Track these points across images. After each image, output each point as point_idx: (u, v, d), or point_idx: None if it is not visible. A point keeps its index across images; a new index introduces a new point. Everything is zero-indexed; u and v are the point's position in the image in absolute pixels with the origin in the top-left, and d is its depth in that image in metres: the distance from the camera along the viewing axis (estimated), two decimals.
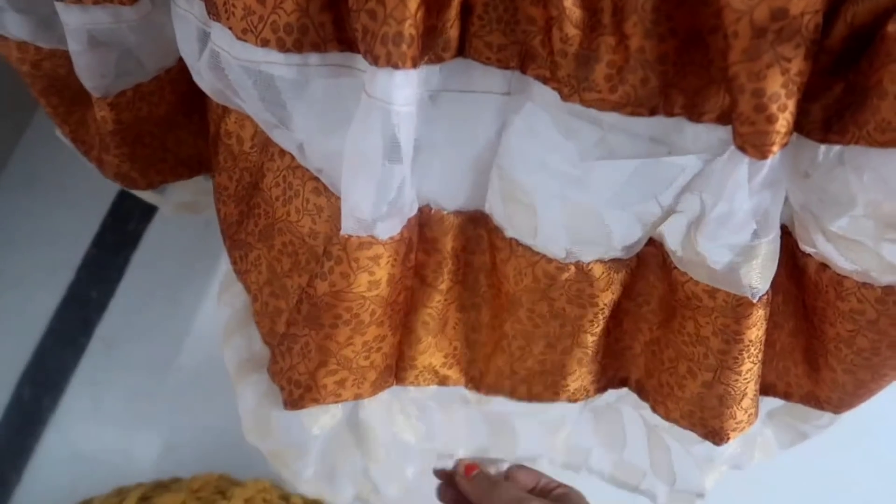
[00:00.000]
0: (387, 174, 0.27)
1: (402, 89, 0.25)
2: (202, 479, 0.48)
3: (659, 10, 0.23)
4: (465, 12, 0.26)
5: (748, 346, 0.31)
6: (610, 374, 0.39)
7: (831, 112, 0.23)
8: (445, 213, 0.33)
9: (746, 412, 0.35)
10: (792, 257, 0.30)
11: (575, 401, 0.39)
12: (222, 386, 0.64)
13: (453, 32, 0.26)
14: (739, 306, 0.30)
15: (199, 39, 0.33)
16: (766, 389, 0.36)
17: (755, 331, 0.31)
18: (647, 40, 0.24)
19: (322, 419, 0.39)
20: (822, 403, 0.35)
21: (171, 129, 0.42)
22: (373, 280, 0.31)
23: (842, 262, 0.27)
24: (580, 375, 0.38)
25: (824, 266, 0.28)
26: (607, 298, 0.33)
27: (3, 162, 0.73)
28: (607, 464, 0.49)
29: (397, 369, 0.38)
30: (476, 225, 0.34)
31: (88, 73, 0.37)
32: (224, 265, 0.69)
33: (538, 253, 0.32)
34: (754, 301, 0.29)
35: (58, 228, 0.71)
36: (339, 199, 0.31)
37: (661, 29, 0.23)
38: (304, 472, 0.40)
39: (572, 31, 0.24)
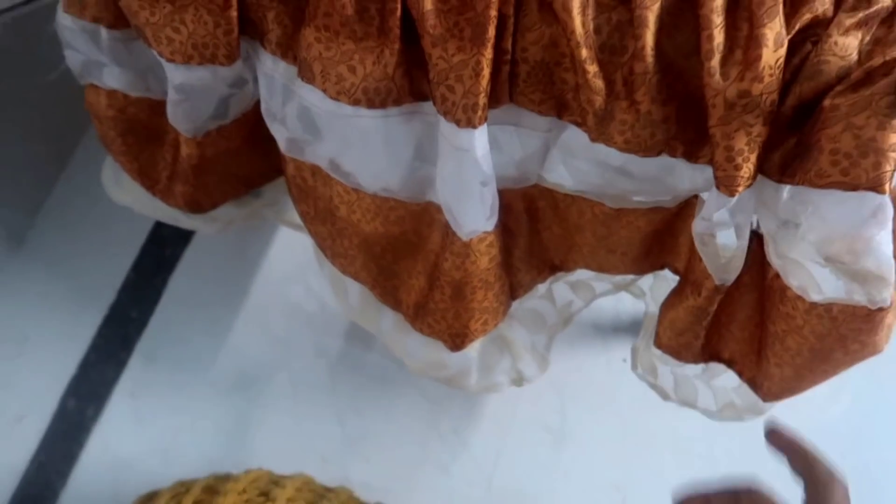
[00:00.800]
0: (484, 194, 0.36)
1: (479, 140, 0.33)
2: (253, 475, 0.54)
3: (662, 82, 0.32)
4: (513, 77, 0.34)
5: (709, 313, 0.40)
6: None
7: (786, 160, 0.31)
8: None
9: None
10: (763, 263, 0.37)
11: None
12: (253, 398, 0.71)
13: (504, 91, 0.34)
14: (716, 289, 0.38)
15: (283, 93, 0.41)
16: (730, 363, 0.44)
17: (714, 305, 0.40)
18: (653, 105, 0.32)
19: (475, 345, 0.49)
20: (758, 388, 0.43)
21: (238, 157, 0.50)
22: (490, 257, 0.41)
23: (787, 276, 0.35)
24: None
25: (777, 275, 0.36)
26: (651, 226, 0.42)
27: (48, 194, 0.80)
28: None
29: (511, 292, 0.48)
30: (532, 191, 0.42)
31: (184, 118, 0.44)
32: (256, 286, 0.76)
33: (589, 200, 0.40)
34: (718, 284, 0.38)
35: (101, 255, 0.77)
36: (372, 194, 0.41)
37: (663, 96, 0.32)
38: (470, 383, 0.51)
39: (594, 97, 0.32)
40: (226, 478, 0.53)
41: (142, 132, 0.50)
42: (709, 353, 0.45)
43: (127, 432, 0.71)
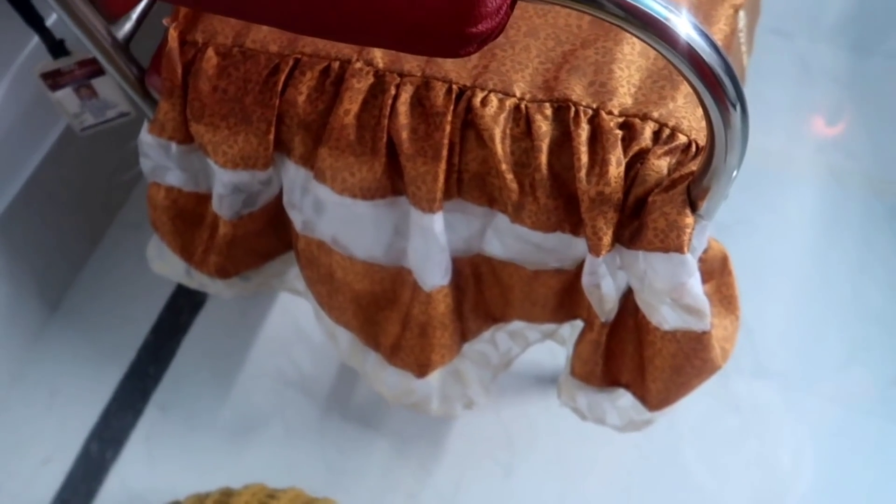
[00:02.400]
0: (441, 259, 0.53)
1: (437, 222, 0.50)
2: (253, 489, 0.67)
3: (553, 185, 0.50)
4: (459, 181, 0.52)
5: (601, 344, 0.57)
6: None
7: (632, 234, 0.49)
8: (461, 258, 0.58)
9: None
10: (636, 307, 0.54)
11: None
12: (252, 442, 0.84)
13: (454, 190, 0.52)
14: (602, 325, 0.55)
15: (302, 190, 0.58)
16: (627, 386, 0.60)
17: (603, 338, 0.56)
18: (548, 200, 0.50)
19: (435, 376, 0.64)
20: (646, 403, 0.59)
21: (259, 236, 0.66)
22: (446, 304, 0.57)
23: (647, 314, 0.52)
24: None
25: (643, 314, 0.53)
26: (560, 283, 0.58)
27: (81, 269, 0.95)
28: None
29: (463, 336, 0.64)
30: (476, 259, 0.58)
31: (226, 207, 0.61)
32: (255, 348, 0.90)
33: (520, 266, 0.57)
34: (603, 322, 0.55)
35: (124, 320, 0.92)
36: (362, 261, 0.58)
37: (554, 194, 0.50)
38: (433, 407, 0.66)
39: (511, 194, 0.50)
40: (229, 492, 0.66)
41: (187, 217, 0.67)
42: (610, 379, 0.61)
43: (141, 472, 0.83)
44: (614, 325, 0.57)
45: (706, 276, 0.55)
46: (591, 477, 0.81)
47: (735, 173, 0.44)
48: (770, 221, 0.96)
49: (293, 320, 0.93)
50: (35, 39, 0.73)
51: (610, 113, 0.49)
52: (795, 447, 0.81)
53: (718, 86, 0.38)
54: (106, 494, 0.82)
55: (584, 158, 0.48)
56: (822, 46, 1.09)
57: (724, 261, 0.56)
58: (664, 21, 0.35)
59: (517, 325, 0.67)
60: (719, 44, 0.37)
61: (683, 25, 0.36)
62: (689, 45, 0.36)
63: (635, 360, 0.58)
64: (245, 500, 0.65)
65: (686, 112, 0.49)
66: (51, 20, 0.64)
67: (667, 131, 0.48)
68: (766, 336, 0.88)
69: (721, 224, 0.95)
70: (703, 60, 0.37)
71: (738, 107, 0.39)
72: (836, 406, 0.83)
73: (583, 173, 0.48)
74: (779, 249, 0.94)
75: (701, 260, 0.53)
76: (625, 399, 0.63)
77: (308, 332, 0.91)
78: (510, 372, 0.84)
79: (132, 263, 0.95)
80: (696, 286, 0.49)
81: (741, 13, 0.58)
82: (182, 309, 0.93)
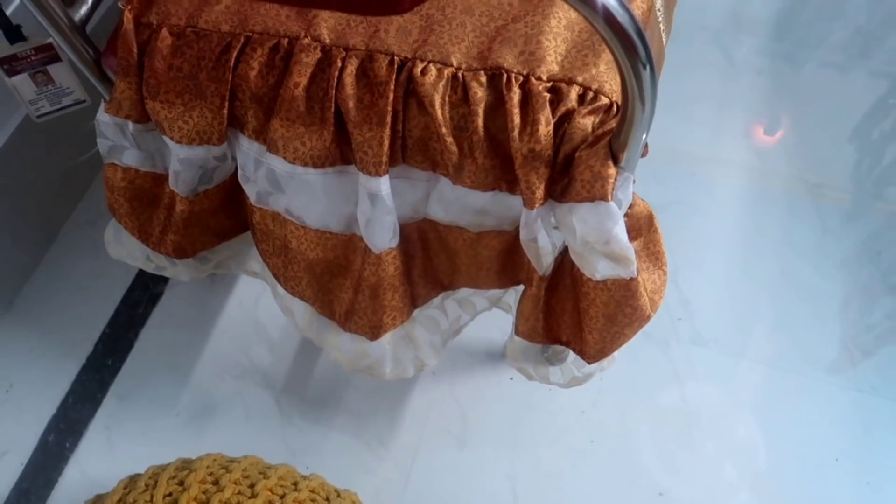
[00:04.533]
0: (388, 221, 0.57)
1: (383, 185, 0.54)
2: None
3: (489, 146, 0.54)
4: (404, 147, 0.56)
5: (541, 299, 0.61)
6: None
7: (563, 189, 0.53)
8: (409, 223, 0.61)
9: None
10: (571, 264, 0.59)
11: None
12: (212, 426, 0.86)
13: (398, 156, 0.56)
14: (541, 279, 0.59)
15: (255, 163, 0.61)
16: (567, 343, 0.64)
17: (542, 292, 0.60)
18: (486, 160, 0.54)
19: (387, 338, 0.67)
20: (584, 356, 0.63)
21: (215, 214, 0.69)
22: (395, 266, 0.60)
23: (580, 266, 0.56)
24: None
25: (577, 267, 0.57)
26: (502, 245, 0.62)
27: (36, 267, 0.95)
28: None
29: (413, 301, 0.67)
30: (423, 224, 0.62)
31: (182, 183, 0.63)
32: (213, 338, 0.91)
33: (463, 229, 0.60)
34: (541, 276, 0.59)
35: (81, 314, 0.92)
36: (315, 229, 0.61)
37: (491, 155, 0.54)
38: (386, 370, 0.68)
39: (451, 157, 0.54)
40: (188, 462, 0.68)
41: (144, 198, 0.69)
42: (552, 336, 0.66)
43: (101, 459, 0.84)
44: (553, 283, 0.61)
45: (634, 233, 0.60)
46: (539, 445, 0.84)
47: (646, 133, 0.49)
48: (703, 202, 1.02)
49: (250, 312, 0.95)
50: None
51: (539, 78, 0.53)
52: (729, 405, 0.87)
53: (632, 46, 0.43)
54: (66, 482, 0.82)
55: (517, 120, 0.52)
56: (746, 39, 1.17)
57: (649, 218, 0.60)
58: None
59: (465, 292, 0.71)
60: (634, 11, 0.42)
61: None
62: (607, 8, 0.41)
63: (573, 315, 0.62)
64: (206, 465, 0.66)
65: (607, 77, 0.54)
66: (9, 9, 0.66)
67: (590, 94, 0.53)
68: (702, 307, 0.94)
69: (658, 205, 1.01)
70: (619, 23, 0.41)
71: (648, 67, 0.44)
72: (765, 367, 0.89)
73: (516, 133, 0.52)
74: (712, 228, 1.00)
75: (627, 216, 0.57)
76: (565, 354, 0.67)
77: (264, 323, 0.93)
78: (463, 348, 0.88)
79: (88, 259, 0.96)
80: (621, 234, 0.53)
81: (657, 2, 0.63)
82: (139, 302, 0.94)
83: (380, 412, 0.86)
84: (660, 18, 0.65)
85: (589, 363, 0.65)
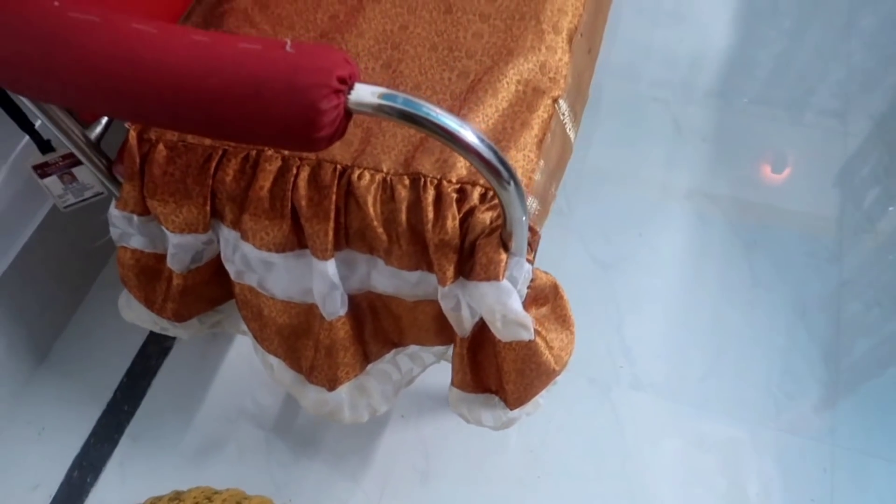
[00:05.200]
0: (336, 294, 0.70)
1: (330, 267, 0.68)
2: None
3: (411, 236, 0.67)
4: (347, 236, 0.70)
5: (464, 356, 0.73)
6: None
7: (469, 269, 0.66)
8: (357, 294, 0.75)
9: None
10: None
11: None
12: (210, 462, 0.99)
13: (342, 242, 0.70)
14: (461, 340, 0.72)
15: (233, 247, 0.75)
16: (495, 392, 0.76)
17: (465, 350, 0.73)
18: (408, 247, 0.67)
19: (344, 388, 0.80)
20: (507, 403, 0.75)
21: (206, 286, 0.83)
22: (345, 331, 0.74)
23: (493, 330, 0.69)
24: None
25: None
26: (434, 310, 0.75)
27: (68, 321, 1.11)
28: None
29: (366, 357, 0.80)
30: (370, 295, 0.75)
31: (177, 262, 0.78)
32: (214, 385, 1.05)
33: (401, 299, 0.74)
34: (462, 337, 0.71)
35: (103, 366, 1.08)
36: (281, 300, 0.74)
37: (412, 242, 0.67)
38: (344, 416, 0.81)
39: (382, 244, 0.68)
40: (178, 493, 0.81)
41: (148, 273, 0.84)
42: (481, 386, 0.78)
43: (116, 493, 0.98)
44: (477, 343, 0.74)
45: (541, 300, 0.73)
46: (492, 481, 0.96)
47: (525, 220, 0.62)
48: (648, 259, 1.14)
49: (247, 361, 1.09)
50: (26, 139, 0.92)
51: (449, 181, 0.67)
52: (664, 443, 0.97)
53: (496, 171, 0.56)
54: None
55: (430, 215, 0.66)
56: (693, 109, 1.30)
57: (554, 288, 0.73)
58: (457, 132, 0.54)
59: (413, 348, 0.84)
60: (494, 145, 0.56)
61: (470, 136, 0.54)
62: (472, 146, 0.54)
63: (494, 368, 0.75)
64: (193, 495, 0.80)
65: None
66: (39, 124, 0.83)
67: (490, 193, 0.67)
68: (642, 355, 1.05)
69: (607, 263, 1.13)
70: (483, 156, 0.55)
71: (512, 182, 0.57)
72: (696, 409, 1.00)
73: (429, 226, 0.66)
74: (655, 282, 1.12)
75: (531, 287, 0.70)
76: (495, 402, 0.79)
77: (258, 371, 1.07)
78: (429, 394, 1.00)
79: (109, 319, 1.12)
80: (515, 305, 0.66)
81: (560, 101, 0.77)
82: (152, 355, 1.09)
83: (354, 450, 0.99)
84: (565, 120, 0.78)
85: (511, 409, 0.77)
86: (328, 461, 0.98)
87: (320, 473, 0.97)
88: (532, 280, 0.70)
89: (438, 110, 0.54)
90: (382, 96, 0.54)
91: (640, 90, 1.32)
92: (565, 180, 1.21)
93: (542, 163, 0.72)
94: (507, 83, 0.75)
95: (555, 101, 0.76)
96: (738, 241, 1.15)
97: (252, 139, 0.57)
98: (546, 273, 0.73)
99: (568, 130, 0.80)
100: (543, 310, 0.74)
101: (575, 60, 0.82)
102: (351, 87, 0.54)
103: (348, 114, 0.55)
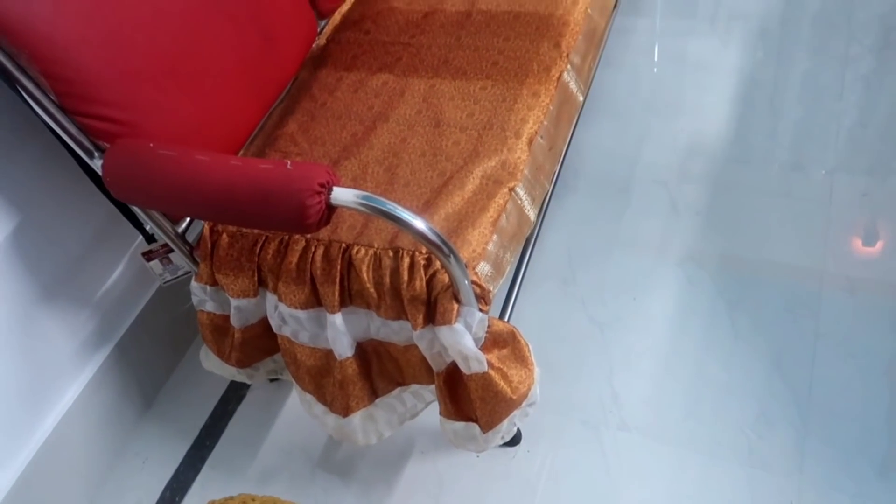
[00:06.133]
0: (345, 339, 0.95)
1: (338, 319, 0.92)
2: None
3: (393, 294, 0.90)
4: (349, 296, 0.94)
5: (443, 389, 0.93)
6: None
7: (434, 317, 0.88)
8: (363, 341, 0.98)
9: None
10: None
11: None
12: (270, 488, 1.22)
13: (346, 300, 0.94)
14: (438, 374, 0.92)
15: (273, 307, 1.01)
16: (475, 420, 0.95)
17: (443, 382, 0.93)
18: (392, 302, 0.91)
19: (357, 416, 1.02)
20: (481, 427, 0.94)
21: (260, 338, 1.09)
22: (353, 369, 0.97)
23: (460, 365, 0.89)
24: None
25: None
26: (421, 353, 0.96)
27: (170, 374, 1.41)
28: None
29: (374, 392, 1.01)
30: (373, 341, 0.98)
31: (237, 320, 1.05)
32: (276, 424, 1.30)
33: (395, 344, 0.96)
34: (437, 372, 0.92)
35: (192, 409, 1.36)
36: (308, 346, 0.98)
37: (396, 300, 0.90)
38: (358, 438, 1.02)
39: (373, 300, 0.91)
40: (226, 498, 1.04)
41: (219, 330, 1.12)
42: (460, 414, 0.98)
43: None
44: (452, 377, 0.95)
45: (501, 343, 0.93)
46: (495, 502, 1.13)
47: (467, 282, 0.84)
48: (639, 319, 1.30)
49: (300, 407, 1.33)
50: (140, 237, 1.25)
51: (420, 252, 0.90)
52: (648, 478, 1.11)
53: (438, 247, 0.80)
54: None
55: (405, 277, 0.89)
56: (689, 187, 1.47)
57: (511, 334, 0.93)
58: (409, 221, 0.78)
59: (415, 387, 1.05)
60: (437, 230, 0.79)
61: (419, 223, 0.78)
62: (419, 230, 0.78)
63: (466, 398, 0.95)
64: (241, 498, 1.03)
65: (462, 248, 0.90)
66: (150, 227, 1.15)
67: None
68: (629, 401, 1.20)
69: (603, 322, 1.31)
70: (427, 237, 0.79)
71: (452, 255, 0.80)
72: (677, 448, 1.13)
73: (404, 286, 0.89)
74: (645, 340, 1.27)
75: (489, 332, 0.91)
76: (473, 428, 0.98)
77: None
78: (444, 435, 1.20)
79: (200, 373, 1.41)
80: (469, 344, 0.87)
81: (517, 189, 0.99)
82: (230, 400, 1.36)
83: (381, 479, 1.19)
84: (522, 204, 1.00)
85: (485, 433, 0.96)
86: (360, 487, 1.19)
87: (354, 497, 1.18)
88: (489, 327, 0.91)
89: (394, 205, 0.78)
90: (355, 195, 0.79)
91: (643, 173, 1.52)
92: (571, 253, 1.41)
93: (495, 237, 0.94)
94: (473, 178, 0.99)
95: (511, 189, 0.99)
96: (721, 300, 1.29)
97: (267, 226, 0.83)
98: (504, 322, 0.93)
99: (526, 211, 1.02)
100: (504, 351, 0.94)
101: (534, 157, 1.04)
102: (330, 190, 0.80)
103: (330, 207, 0.80)
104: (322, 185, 0.79)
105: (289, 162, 0.80)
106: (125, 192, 0.89)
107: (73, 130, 0.90)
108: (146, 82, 0.92)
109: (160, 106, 0.94)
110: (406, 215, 0.79)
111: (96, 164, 0.92)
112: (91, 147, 0.92)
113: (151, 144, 0.88)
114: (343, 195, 0.80)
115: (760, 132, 1.54)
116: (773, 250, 1.34)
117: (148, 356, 1.36)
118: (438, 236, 0.80)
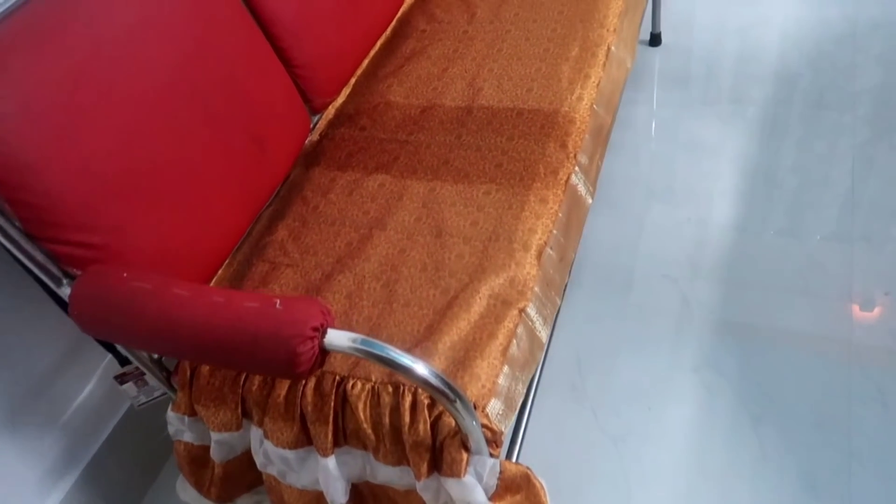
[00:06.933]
0: (338, 485, 0.84)
1: (331, 462, 0.82)
2: None
3: (393, 436, 0.81)
4: (344, 435, 0.84)
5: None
6: None
7: (441, 465, 0.78)
8: (359, 483, 0.87)
9: None
10: None
11: None
12: None
13: (341, 441, 0.84)
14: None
15: (259, 443, 0.91)
16: None
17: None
18: (392, 445, 0.81)
19: None
20: None
21: (242, 473, 0.99)
22: None
23: None
24: None
25: None
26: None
27: (141, 497, 1.29)
28: None
29: None
30: (370, 483, 0.87)
31: (218, 454, 0.94)
32: None
33: (394, 488, 0.85)
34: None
35: None
36: (297, 488, 0.87)
37: (396, 441, 0.81)
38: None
39: (370, 442, 0.81)
40: None
41: (198, 462, 1.01)
42: None
43: None
44: None
45: (514, 489, 0.83)
46: None
47: (476, 426, 0.75)
48: (656, 432, 1.20)
49: None
50: (109, 357, 1.15)
51: (424, 389, 0.81)
52: None
53: (443, 393, 0.70)
54: None
55: (407, 419, 0.80)
56: (700, 284, 1.40)
57: (526, 477, 0.83)
58: (410, 367, 0.69)
59: None
60: (441, 374, 0.70)
61: (421, 369, 0.69)
62: (421, 377, 0.69)
63: None
64: None
65: (470, 385, 0.81)
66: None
67: None
68: None
69: (617, 436, 1.21)
70: (431, 383, 0.70)
71: (458, 399, 0.71)
72: None
73: (406, 429, 0.79)
74: (662, 456, 1.17)
75: (500, 478, 0.81)
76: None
77: None
78: None
79: (172, 498, 1.28)
80: (479, 498, 0.77)
81: (528, 309, 0.91)
82: None
83: None
84: (534, 325, 0.92)
85: None
86: None
87: None
88: (501, 472, 0.81)
89: (394, 351, 0.70)
90: (350, 339, 0.71)
91: (649, 267, 1.44)
92: (579, 354, 1.33)
93: (506, 368, 0.85)
94: (480, 298, 0.90)
95: (521, 311, 0.90)
96: (745, 413, 1.20)
97: (253, 371, 0.74)
98: (517, 464, 0.83)
99: (538, 332, 0.93)
100: (518, 497, 0.83)
101: (544, 271, 0.96)
102: (324, 333, 0.71)
103: (323, 352, 0.71)
104: (315, 329, 0.70)
105: (278, 301, 0.72)
106: (94, 328, 0.80)
107: (39, 257, 0.81)
108: (120, 202, 0.84)
109: (136, 225, 0.86)
110: (406, 361, 0.70)
111: (64, 293, 0.83)
112: (59, 274, 0.83)
113: (125, 274, 0.79)
114: (338, 339, 0.71)
115: (772, 220, 1.47)
116: (797, 354, 1.25)
117: (118, 479, 1.23)
118: (443, 381, 0.71)
